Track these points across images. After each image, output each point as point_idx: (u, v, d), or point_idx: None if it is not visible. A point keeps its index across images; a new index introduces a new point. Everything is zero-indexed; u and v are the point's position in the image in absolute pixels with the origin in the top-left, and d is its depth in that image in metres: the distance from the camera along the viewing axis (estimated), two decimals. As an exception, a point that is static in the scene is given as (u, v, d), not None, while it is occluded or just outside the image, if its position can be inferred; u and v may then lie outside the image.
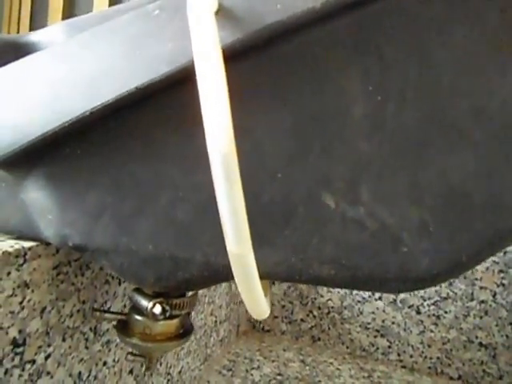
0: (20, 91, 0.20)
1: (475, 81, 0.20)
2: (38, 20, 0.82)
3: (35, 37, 0.24)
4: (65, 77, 0.19)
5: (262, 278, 0.18)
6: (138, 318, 0.22)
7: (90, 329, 0.25)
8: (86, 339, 0.25)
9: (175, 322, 0.22)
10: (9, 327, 0.20)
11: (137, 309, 0.22)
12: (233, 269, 0.15)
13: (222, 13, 0.17)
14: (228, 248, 0.15)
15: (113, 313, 0.23)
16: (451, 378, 0.43)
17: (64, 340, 0.23)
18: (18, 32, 0.83)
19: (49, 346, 0.22)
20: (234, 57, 0.18)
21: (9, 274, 0.19)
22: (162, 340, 0.22)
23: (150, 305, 0.21)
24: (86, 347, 0.25)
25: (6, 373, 0.20)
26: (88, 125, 0.19)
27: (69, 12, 0.79)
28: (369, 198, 0.20)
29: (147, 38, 0.18)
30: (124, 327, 0.22)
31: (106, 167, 0.19)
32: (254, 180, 0.20)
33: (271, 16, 0.17)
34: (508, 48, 0.20)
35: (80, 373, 0.25)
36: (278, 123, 0.19)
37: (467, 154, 0.20)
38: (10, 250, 0.20)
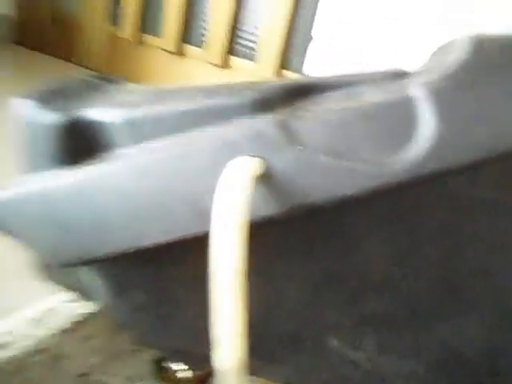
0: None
1: (500, 260, 0.19)
2: None
3: (100, 114, 0.23)
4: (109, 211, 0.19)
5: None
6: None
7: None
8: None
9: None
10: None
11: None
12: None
13: (265, 179, 0.17)
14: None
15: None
16: None
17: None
18: None
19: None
20: (270, 222, 0.18)
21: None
22: None
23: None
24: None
25: None
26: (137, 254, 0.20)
27: None
28: (371, 346, 0.21)
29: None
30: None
31: (145, 280, 0.22)
32: (275, 314, 0.21)
33: (315, 194, 0.17)
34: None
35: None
36: (302, 277, 0.20)
37: (471, 323, 0.20)
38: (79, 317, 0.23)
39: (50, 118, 0.22)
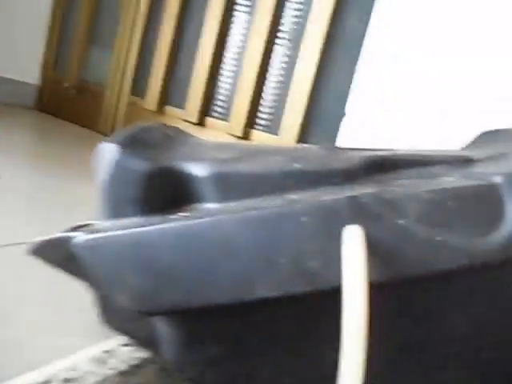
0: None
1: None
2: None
3: (196, 170, 0.24)
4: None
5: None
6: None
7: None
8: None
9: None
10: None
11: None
12: None
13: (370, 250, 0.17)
14: None
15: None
16: None
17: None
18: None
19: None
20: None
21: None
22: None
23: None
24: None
25: None
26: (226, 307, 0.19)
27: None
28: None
29: (279, 246, 0.18)
30: None
31: (225, 334, 0.21)
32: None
33: (411, 266, 0.17)
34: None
35: None
36: (390, 338, 0.19)
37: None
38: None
39: (140, 165, 0.23)
